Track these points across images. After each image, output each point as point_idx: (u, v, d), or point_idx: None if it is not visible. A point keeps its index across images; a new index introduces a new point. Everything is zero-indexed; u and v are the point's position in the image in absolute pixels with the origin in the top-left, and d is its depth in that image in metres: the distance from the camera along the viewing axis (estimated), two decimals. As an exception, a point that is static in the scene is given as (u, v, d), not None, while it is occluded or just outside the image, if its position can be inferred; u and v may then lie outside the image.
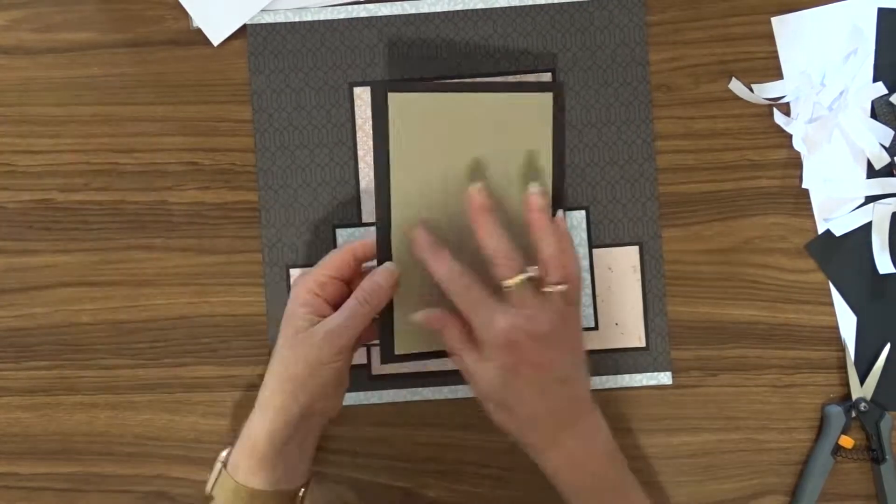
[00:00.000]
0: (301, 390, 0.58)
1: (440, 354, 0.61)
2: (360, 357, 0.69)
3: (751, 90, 0.69)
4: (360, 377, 0.69)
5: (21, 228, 0.70)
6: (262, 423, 0.58)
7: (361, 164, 0.70)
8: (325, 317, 0.58)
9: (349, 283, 0.61)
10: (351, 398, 0.69)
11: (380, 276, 0.58)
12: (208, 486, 0.60)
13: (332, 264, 0.60)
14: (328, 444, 0.69)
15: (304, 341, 0.57)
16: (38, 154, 0.70)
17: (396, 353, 0.62)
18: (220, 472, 0.59)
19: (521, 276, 0.55)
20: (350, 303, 0.58)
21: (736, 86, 0.69)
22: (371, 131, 0.60)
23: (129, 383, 0.69)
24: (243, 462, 0.58)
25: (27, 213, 0.70)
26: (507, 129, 0.62)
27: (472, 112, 0.61)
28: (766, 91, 0.69)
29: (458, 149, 0.61)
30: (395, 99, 0.58)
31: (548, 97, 0.63)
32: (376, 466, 0.69)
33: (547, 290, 0.56)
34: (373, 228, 0.61)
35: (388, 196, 0.60)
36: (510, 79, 0.69)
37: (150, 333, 0.70)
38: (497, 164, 0.62)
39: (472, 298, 0.56)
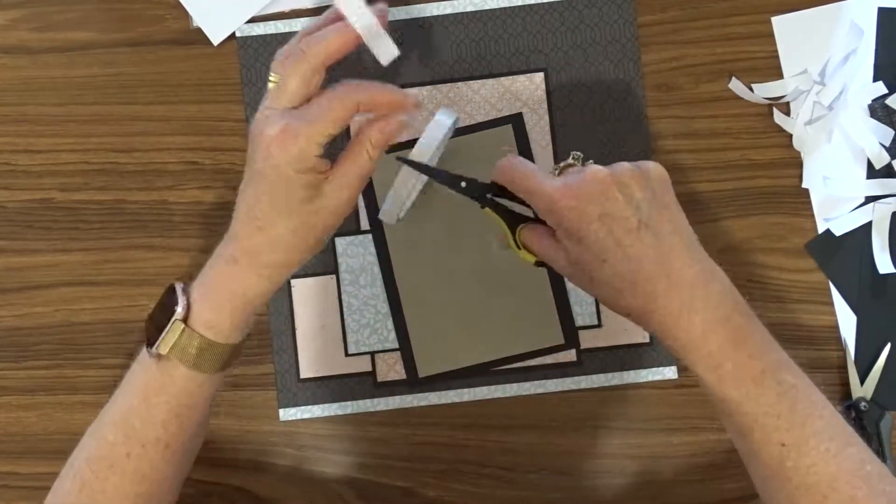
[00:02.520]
0: (311, 252, 0.53)
1: (462, 373, 0.69)
2: (365, 365, 0.69)
3: (751, 90, 0.69)
4: (366, 385, 0.69)
5: (21, 228, 0.70)
6: (264, 287, 0.53)
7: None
8: (322, 174, 0.51)
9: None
10: (357, 406, 0.69)
11: (395, 126, 0.52)
12: (162, 348, 0.52)
13: (333, 120, 0.50)
14: (328, 443, 0.69)
15: (315, 212, 0.51)
16: (38, 154, 0.70)
17: (420, 376, 0.69)
18: (182, 331, 0.52)
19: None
20: (358, 157, 0.51)
21: (736, 85, 0.69)
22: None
23: (129, 383, 0.69)
24: (228, 320, 0.52)
25: (27, 212, 0.70)
26: (478, 163, 0.67)
27: (446, 154, 0.67)
28: (766, 91, 0.69)
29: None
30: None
31: (507, 128, 0.69)
32: (376, 466, 0.69)
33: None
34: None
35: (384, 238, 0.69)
36: (503, 81, 0.70)
37: (150, 333, 0.70)
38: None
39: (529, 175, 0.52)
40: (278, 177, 0.50)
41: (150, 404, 0.53)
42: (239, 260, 0.52)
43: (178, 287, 0.53)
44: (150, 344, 0.52)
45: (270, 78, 0.51)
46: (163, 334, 0.51)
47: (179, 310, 0.52)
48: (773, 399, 0.50)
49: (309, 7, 0.70)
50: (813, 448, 0.49)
